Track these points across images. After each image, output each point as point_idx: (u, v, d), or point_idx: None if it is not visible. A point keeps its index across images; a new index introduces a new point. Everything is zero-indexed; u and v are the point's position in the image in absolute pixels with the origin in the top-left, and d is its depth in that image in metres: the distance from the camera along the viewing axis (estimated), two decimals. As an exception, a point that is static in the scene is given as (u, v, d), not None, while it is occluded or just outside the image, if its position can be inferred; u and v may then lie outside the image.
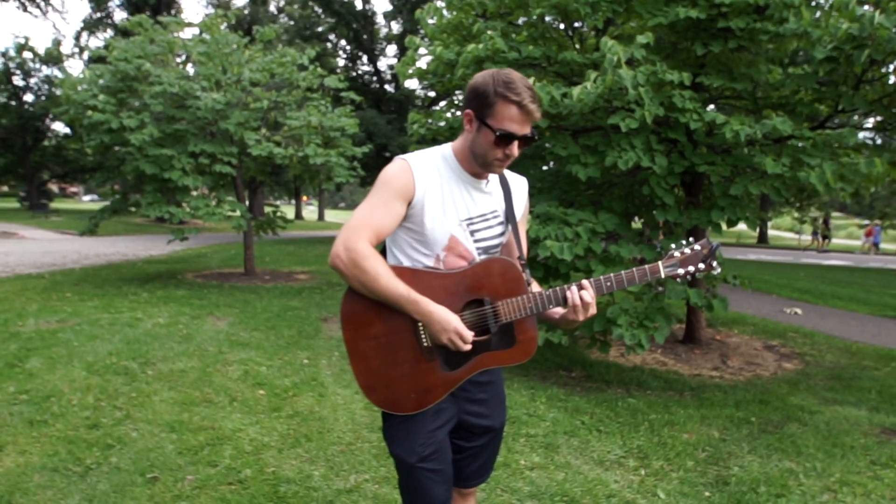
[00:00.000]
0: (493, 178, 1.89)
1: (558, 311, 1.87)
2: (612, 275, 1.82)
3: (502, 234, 1.90)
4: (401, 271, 1.73)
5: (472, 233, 1.83)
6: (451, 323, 1.71)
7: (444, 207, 1.77)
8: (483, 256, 1.84)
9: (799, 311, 9.32)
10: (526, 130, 1.72)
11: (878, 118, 5.34)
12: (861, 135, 5.78)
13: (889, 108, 4.83)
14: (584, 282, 1.80)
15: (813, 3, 5.32)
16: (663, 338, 4.64)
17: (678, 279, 1.89)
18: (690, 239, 1.90)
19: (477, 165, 1.80)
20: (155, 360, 5.39)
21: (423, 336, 1.75)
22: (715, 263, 1.88)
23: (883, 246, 31.34)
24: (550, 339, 4.76)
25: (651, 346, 6.03)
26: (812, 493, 3.26)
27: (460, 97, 7.39)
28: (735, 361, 6.02)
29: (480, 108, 1.71)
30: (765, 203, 16.60)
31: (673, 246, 1.90)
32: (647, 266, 1.85)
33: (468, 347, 1.74)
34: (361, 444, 3.73)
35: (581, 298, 1.78)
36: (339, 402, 4.48)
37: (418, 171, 1.75)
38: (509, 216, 1.90)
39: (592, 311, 1.81)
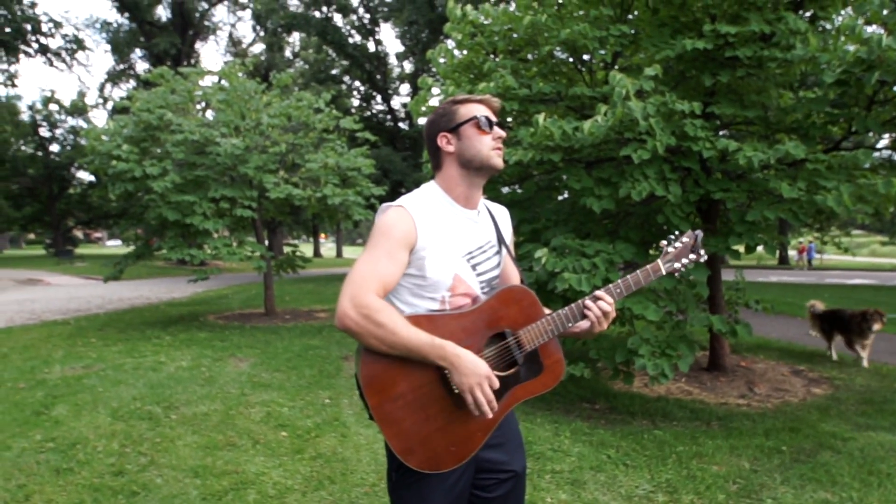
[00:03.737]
0: (482, 207, 1.92)
1: (579, 325, 1.88)
2: (619, 281, 1.86)
3: (498, 264, 1.91)
4: (417, 319, 1.65)
5: (473, 267, 1.81)
6: (480, 367, 1.63)
7: (446, 246, 1.75)
8: (486, 290, 1.83)
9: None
10: (496, 119, 1.83)
11: (893, 137, 5.32)
12: (877, 154, 5.75)
13: (903, 128, 4.81)
14: (599, 292, 1.82)
15: (819, 29, 5.36)
16: (687, 366, 4.58)
17: (676, 274, 1.96)
18: (676, 233, 1.99)
19: (475, 173, 1.81)
20: (178, 404, 5.42)
21: (452, 382, 1.66)
22: (702, 252, 1.97)
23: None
24: (573, 373, 4.73)
25: (675, 375, 5.94)
26: (848, 525, 3.17)
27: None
28: (762, 388, 5.90)
29: (448, 123, 1.81)
30: (784, 226, 16.39)
31: (664, 243, 1.96)
32: (648, 266, 1.90)
33: (491, 397, 1.64)
34: (385, 485, 3.70)
35: (601, 308, 1.80)
36: (361, 442, 4.47)
37: (417, 215, 1.72)
38: (501, 241, 1.93)
39: (612, 315, 1.83)
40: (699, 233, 1.98)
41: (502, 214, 2.02)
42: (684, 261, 1.95)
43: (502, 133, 1.83)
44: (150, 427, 4.83)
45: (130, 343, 8.48)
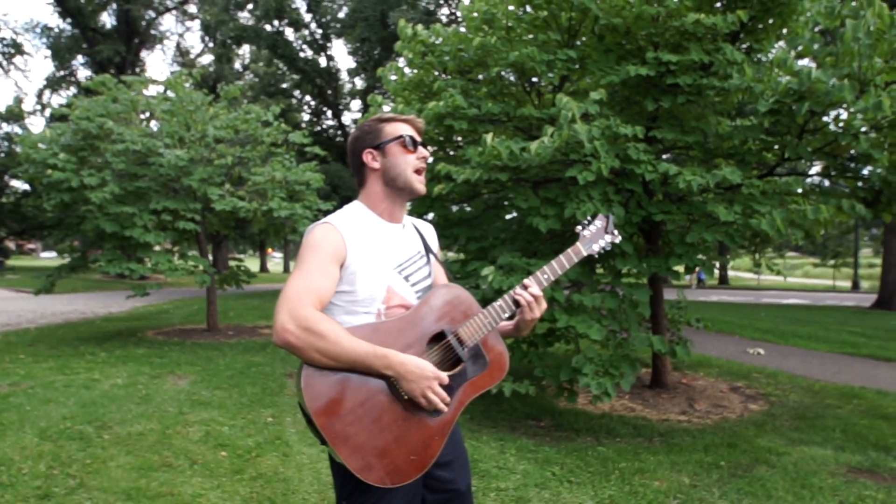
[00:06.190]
0: (407, 221, 1.95)
1: (510, 323, 1.94)
2: (545, 267, 1.92)
3: (430, 274, 1.93)
4: (357, 329, 1.65)
5: (406, 278, 1.82)
6: (426, 370, 1.64)
7: (375, 260, 1.76)
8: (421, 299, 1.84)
9: (762, 351, 9.48)
10: (420, 139, 1.87)
11: (823, 164, 5.60)
12: (809, 180, 6.05)
13: (831, 156, 5.07)
14: (527, 280, 1.88)
15: (755, 60, 5.61)
16: (629, 385, 4.68)
17: (595, 255, 2.05)
18: (589, 217, 2.13)
19: (397, 192, 1.85)
20: (112, 424, 5.20)
21: (401, 390, 1.65)
22: (616, 232, 2.09)
23: (839, 283, 32.66)
24: (518, 390, 4.75)
25: (618, 393, 6.05)
26: (781, 538, 3.26)
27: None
28: (702, 405, 6.06)
29: (374, 140, 1.84)
30: (723, 247, 17.00)
31: (579, 228, 2.07)
32: (570, 249, 1.98)
33: (445, 396, 1.67)
34: (327, 506, 3.64)
35: (532, 294, 1.85)
36: (304, 461, 4.37)
37: (345, 230, 1.73)
38: (428, 250, 1.96)
39: (544, 304, 1.89)
40: (611, 216, 2.11)
41: (427, 228, 2.05)
42: (602, 242, 2.06)
43: (426, 153, 1.88)
44: (81, 447, 4.61)
45: (62, 359, 8.11)
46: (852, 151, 4.97)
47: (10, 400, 5.94)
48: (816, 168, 6.03)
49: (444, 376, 1.68)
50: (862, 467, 4.31)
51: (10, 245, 47.44)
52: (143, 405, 5.82)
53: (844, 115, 4.75)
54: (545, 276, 1.90)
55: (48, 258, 59.06)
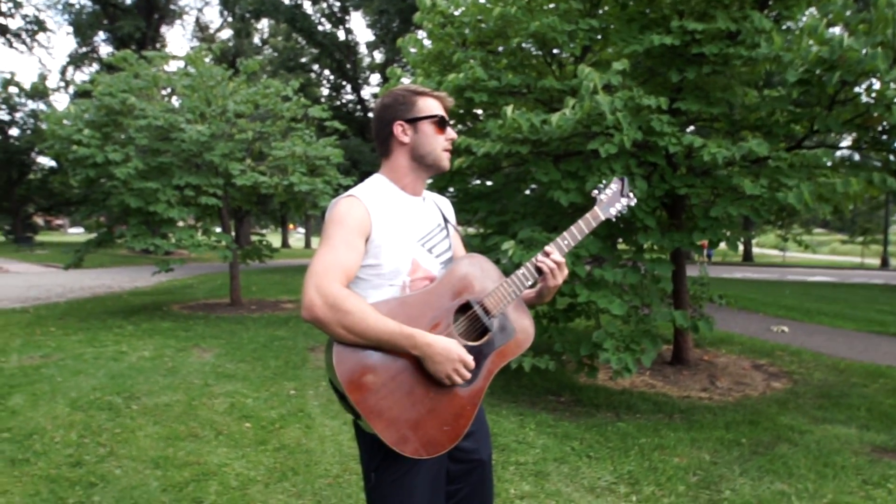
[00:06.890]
0: (426, 194, 1.95)
1: (533, 291, 1.95)
2: (564, 233, 1.92)
3: (450, 247, 1.93)
4: (384, 303, 1.66)
5: (429, 250, 1.83)
6: (452, 351, 1.64)
7: (400, 233, 1.76)
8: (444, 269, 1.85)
9: (785, 328, 9.37)
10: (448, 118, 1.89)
11: (854, 136, 5.44)
12: (839, 153, 5.88)
13: (863, 128, 4.92)
14: (548, 247, 1.89)
15: (784, 28, 5.45)
16: (650, 361, 4.65)
17: (613, 218, 2.06)
18: (604, 182, 2.14)
19: (424, 168, 1.85)
20: (139, 395, 5.32)
21: (426, 370, 1.66)
22: (631, 195, 2.10)
23: (867, 261, 32.03)
24: (538, 365, 4.75)
25: (639, 369, 6.02)
26: (802, 514, 3.25)
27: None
28: (723, 382, 6.02)
29: (406, 113, 1.81)
30: (748, 222, 16.73)
31: (595, 192, 2.07)
32: (588, 214, 1.98)
33: (468, 376, 1.68)
34: (349, 477, 3.69)
35: (554, 261, 1.86)
36: (326, 433, 4.43)
37: (370, 203, 1.73)
38: (447, 221, 1.96)
39: (565, 271, 1.90)
40: (625, 178, 2.11)
41: (443, 201, 2.05)
42: (618, 206, 2.06)
43: (454, 134, 1.87)
44: (110, 417, 4.73)
45: (91, 332, 8.29)
46: (885, 123, 4.80)
47: (42, 371, 6.10)
48: (847, 140, 5.86)
49: (470, 359, 1.68)
50: (887, 447, 4.26)
51: (39, 221, 48.41)
52: (169, 377, 5.94)
53: (877, 85, 4.59)
54: (566, 243, 1.90)
55: (76, 234, 60.10)
